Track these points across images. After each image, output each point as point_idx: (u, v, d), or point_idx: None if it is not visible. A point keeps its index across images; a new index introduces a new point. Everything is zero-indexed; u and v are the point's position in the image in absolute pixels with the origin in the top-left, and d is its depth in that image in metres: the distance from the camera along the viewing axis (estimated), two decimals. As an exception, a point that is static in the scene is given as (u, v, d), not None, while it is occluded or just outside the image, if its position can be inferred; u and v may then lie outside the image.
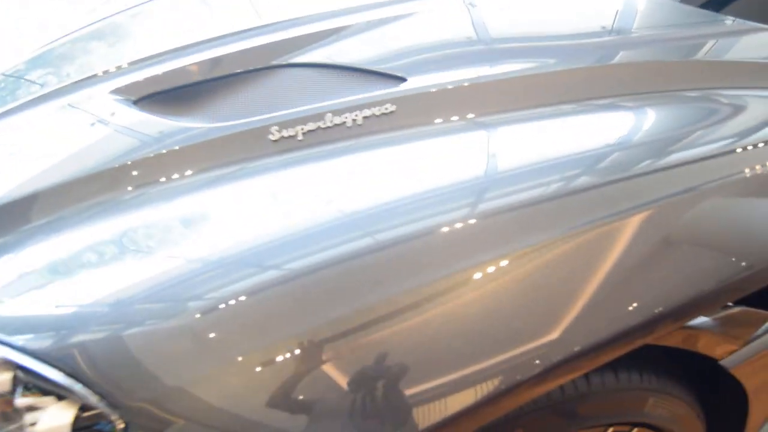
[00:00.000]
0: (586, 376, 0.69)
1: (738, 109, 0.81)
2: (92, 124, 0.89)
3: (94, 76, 1.00)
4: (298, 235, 0.65)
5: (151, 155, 0.78)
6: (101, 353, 0.58)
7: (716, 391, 0.90)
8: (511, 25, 1.04)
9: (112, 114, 0.90)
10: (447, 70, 0.87)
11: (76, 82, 0.99)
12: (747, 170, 0.73)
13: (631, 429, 0.79)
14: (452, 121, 0.78)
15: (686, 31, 1.00)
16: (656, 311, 0.65)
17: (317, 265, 0.61)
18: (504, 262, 0.62)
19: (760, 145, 0.76)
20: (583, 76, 0.85)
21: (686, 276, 0.68)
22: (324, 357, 0.57)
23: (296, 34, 1.00)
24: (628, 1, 1.09)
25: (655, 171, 0.71)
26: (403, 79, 0.85)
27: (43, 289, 0.66)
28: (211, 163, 0.77)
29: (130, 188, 0.76)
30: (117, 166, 0.78)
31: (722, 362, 0.78)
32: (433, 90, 0.81)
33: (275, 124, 0.79)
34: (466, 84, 0.82)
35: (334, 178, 0.73)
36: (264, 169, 0.75)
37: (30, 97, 0.98)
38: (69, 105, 0.95)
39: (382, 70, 0.88)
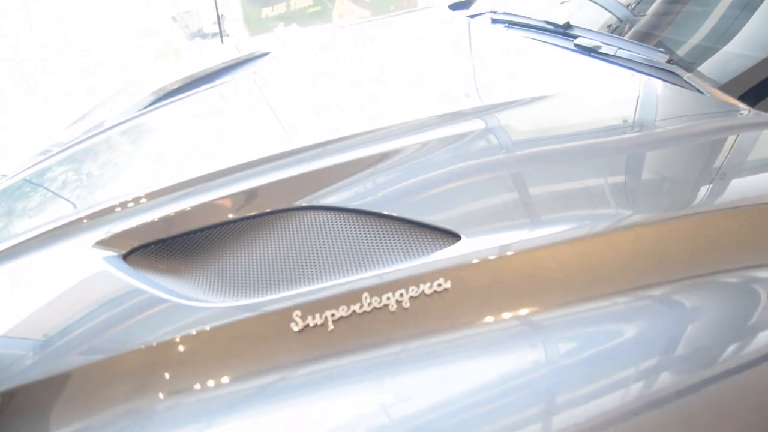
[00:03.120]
0: None
1: None
2: (74, 287, 0.72)
3: (77, 220, 0.83)
4: None
5: (175, 341, 0.61)
6: None
7: None
8: (552, 140, 0.87)
9: (103, 272, 0.73)
10: (500, 228, 0.69)
11: (54, 229, 0.82)
12: None
13: None
14: (504, 319, 0.60)
15: (714, 126, 0.85)
16: None
17: None
18: None
19: None
20: (627, 251, 0.67)
21: None
22: None
23: (327, 164, 0.82)
24: (644, 89, 0.95)
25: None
26: (457, 237, 0.68)
27: None
28: (241, 368, 0.60)
29: (161, 395, 0.59)
30: (142, 348, 0.61)
31: None
32: (491, 258, 0.64)
33: (298, 308, 0.62)
34: (509, 253, 0.64)
35: (380, 393, 0.55)
36: (296, 378, 0.58)
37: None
38: (47, 260, 0.78)
39: (432, 222, 0.71)
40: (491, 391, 0.54)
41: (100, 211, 0.83)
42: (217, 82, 1.29)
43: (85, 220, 0.82)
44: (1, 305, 0.73)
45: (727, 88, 0.96)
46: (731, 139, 0.86)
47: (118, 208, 0.82)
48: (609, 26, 1.36)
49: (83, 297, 0.71)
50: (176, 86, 1.32)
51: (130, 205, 0.82)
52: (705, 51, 1.12)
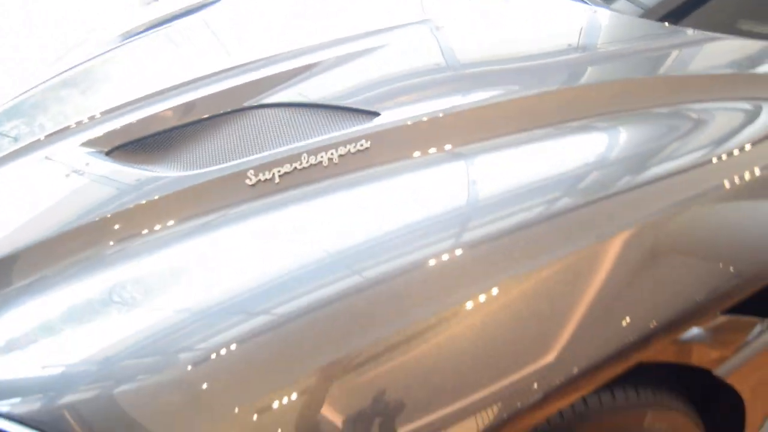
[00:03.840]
0: (584, 398, 0.69)
1: (709, 120, 0.82)
2: (65, 179, 0.88)
3: (66, 128, 0.98)
4: (285, 279, 0.64)
5: (131, 206, 0.77)
6: (91, 413, 0.57)
7: (713, 400, 0.90)
8: (480, 49, 1.04)
9: (86, 167, 0.88)
10: (420, 102, 0.87)
11: (46, 136, 0.97)
12: (725, 178, 0.74)
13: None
14: (430, 153, 0.78)
15: (650, 45, 1.00)
16: (650, 326, 0.66)
17: (306, 308, 0.61)
18: (494, 291, 0.62)
19: (735, 152, 0.77)
20: (554, 100, 0.85)
21: (676, 289, 0.69)
22: (320, 400, 0.57)
23: (267, 74, 1.00)
24: (591, 18, 1.11)
25: (636, 187, 0.72)
26: (376, 114, 0.85)
27: (29, 351, 0.65)
28: (190, 212, 0.77)
29: (111, 243, 0.75)
30: (96, 220, 0.77)
31: (716, 372, 0.78)
32: (408, 123, 0.81)
33: (251, 168, 0.79)
34: (440, 115, 0.82)
35: (315, 219, 0.72)
36: (244, 215, 0.75)
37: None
38: (41, 160, 0.94)
39: (354, 106, 0.88)
40: (409, 215, 0.70)
41: (84, 120, 0.99)
42: (176, 22, 1.44)
43: (72, 126, 0.98)
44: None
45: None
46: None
47: (99, 117, 0.98)
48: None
49: (73, 184, 0.87)
50: (141, 29, 1.46)
51: (109, 114, 0.98)
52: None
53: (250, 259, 0.69)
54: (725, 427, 0.93)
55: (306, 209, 0.74)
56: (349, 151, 0.79)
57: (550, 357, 0.62)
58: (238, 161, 0.81)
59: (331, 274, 0.64)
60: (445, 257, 0.64)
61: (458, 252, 0.64)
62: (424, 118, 0.81)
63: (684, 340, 0.73)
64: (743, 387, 0.83)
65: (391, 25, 1.13)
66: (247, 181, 0.78)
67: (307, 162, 0.78)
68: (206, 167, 0.83)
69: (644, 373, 0.78)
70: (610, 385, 0.72)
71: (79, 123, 0.99)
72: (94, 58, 1.32)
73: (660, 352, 0.71)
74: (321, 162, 0.78)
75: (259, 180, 0.78)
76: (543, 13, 1.15)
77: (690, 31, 1.00)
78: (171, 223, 0.76)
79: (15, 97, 1.26)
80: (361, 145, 0.79)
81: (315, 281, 0.63)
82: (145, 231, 0.75)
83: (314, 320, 0.60)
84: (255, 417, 0.56)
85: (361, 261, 0.65)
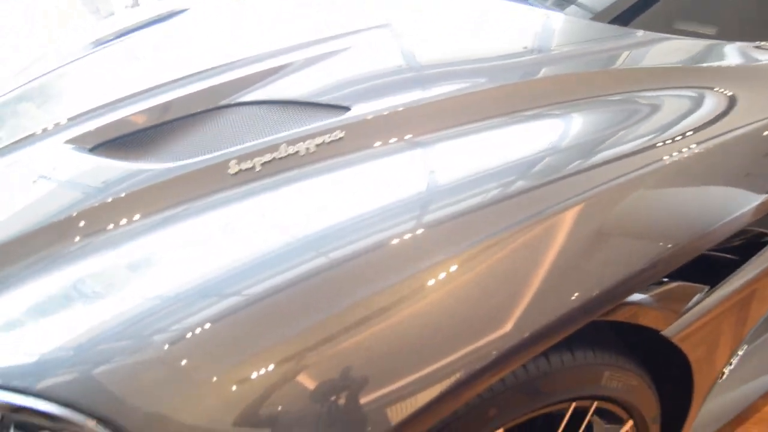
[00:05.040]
0: (546, 356, 0.76)
1: (655, 108, 0.91)
2: (45, 177, 0.91)
3: (45, 129, 1.02)
4: (260, 260, 0.69)
5: (109, 200, 0.81)
6: (68, 394, 0.60)
7: (666, 362, 0.98)
8: (440, 50, 1.12)
9: (69, 163, 0.92)
10: (387, 96, 0.93)
11: (26, 137, 1.00)
12: (666, 161, 0.82)
13: (592, 405, 0.86)
14: (399, 142, 0.85)
15: (603, 45, 1.09)
16: (594, 294, 0.72)
17: (278, 286, 0.65)
18: (453, 265, 0.68)
19: (678, 138, 0.86)
20: (510, 92, 0.93)
21: (618, 259, 0.76)
22: (292, 370, 0.61)
23: (240, 75, 1.05)
24: (545, 22, 1.20)
25: (586, 169, 0.79)
26: (347, 108, 0.91)
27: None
28: (173, 200, 0.81)
29: (85, 238, 0.78)
30: (63, 218, 0.80)
31: (664, 332, 0.86)
32: (378, 115, 0.88)
33: (233, 158, 0.84)
34: (408, 107, 0.89)
35: (291, 204, 0.78)
36: (225, 201, 0.79)
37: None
38: (18, 161, 0.97)
39: (327, 102, 0.94)
40: (378, 198, 0.75)
41: (69, 119, 1.02)
42: (144, 30, 1.48)
43: (51, 128, 1.01)
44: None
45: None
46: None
47: (82, 116, 1.02)
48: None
49: (57, 179, 0.90)
50: (110, 38, 1.49)
51: (88, 114, 1.02)
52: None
53: (227, 243, 0.73)
54: (678, 388, 1.02)
55: (284, 195, 0.79)
56: (324, 141, 0.85)
57: (505, 322, 0.68)
58: (220, 153, 0.86)
59: (302, 254, 0.69)
60: (407, 236, 0.69)
61: (420, 231, 0.70)
62: (392, 110, 0.88)
63: (634, 303, 0.81)
64: (689, 349, 0.92)
65: (356, 29, 1.20)
66: (229, 171, 0.83)
67: (286, 152, 0.84)
68: (189, 159, 0.88)
69: (604, 335, 0.86)
70: (570, 345, 0.79)
71: (57, 125, 1.02)
72: (65, 65, 1.35)
73: (611, 314, 0.78)
74: (298, 152, 0.84)
75: (240, 169, 0.83)
76: (498, 18, 1.24)
77: (640, 33, 1.09)
78: (152, 211, 0.80)
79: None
80: (336, 135, 0.85)
81: (288, 261, 0.68)
82: (111, 226, 0.78)
83: (285, 296, 0.65)
84: (234, 387, 0.60)
85: (332, 242, 0.69)
